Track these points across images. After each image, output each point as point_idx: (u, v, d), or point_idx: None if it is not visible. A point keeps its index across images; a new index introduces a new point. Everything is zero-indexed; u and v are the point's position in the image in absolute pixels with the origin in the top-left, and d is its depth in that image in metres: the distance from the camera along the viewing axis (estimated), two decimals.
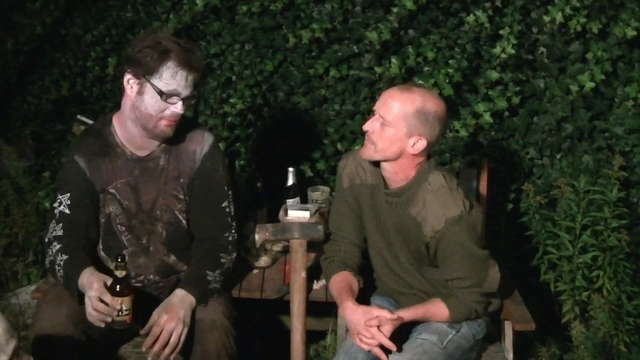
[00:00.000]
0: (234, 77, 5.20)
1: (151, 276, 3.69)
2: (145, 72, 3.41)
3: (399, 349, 3.38)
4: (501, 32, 4.53)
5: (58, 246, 3.54)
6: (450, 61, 4.63)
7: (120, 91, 3.55)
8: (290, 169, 4.38)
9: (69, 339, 3.35)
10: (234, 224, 3.75)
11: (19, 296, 4.93)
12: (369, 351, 3.38)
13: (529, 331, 3.91)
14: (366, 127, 3.45)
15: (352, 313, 3.45)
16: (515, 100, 4.53)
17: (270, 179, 4.50)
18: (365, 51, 4.88)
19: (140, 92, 3.44)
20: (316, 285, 4.02)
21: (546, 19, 4.43)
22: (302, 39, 4.89)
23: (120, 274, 3.29)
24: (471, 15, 4.58)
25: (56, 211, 3.61)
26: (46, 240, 3.64)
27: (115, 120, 3.64)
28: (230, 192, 3.76)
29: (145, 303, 3.67)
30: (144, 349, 3.38)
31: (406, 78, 4.70)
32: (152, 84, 3.41)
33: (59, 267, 3.49)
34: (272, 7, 5.03)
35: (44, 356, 3.29)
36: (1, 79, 6.65)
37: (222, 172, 3.73)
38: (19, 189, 5.68)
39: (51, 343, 3.28)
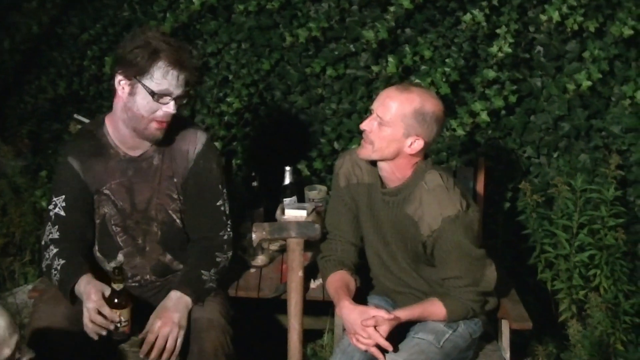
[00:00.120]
0: (230, 76, 5.20)
1: (148, 276, 3.69)
2: (136, 73, 3.40)
3: (396, 349, 3.38)
4: (498, 31, 4.52)
5: (55, 250, 3.54)
6: (447, 60, 4.63)
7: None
8: (287, 168, 4.37)
9: (66, 337, 3.36)
10: (229, 222, 3.75)
11: (16, 295, 4.93)
12: (366, 351, 3.38)
13: (526, 330, 3.90)
14: (364, 126, 3.45)
15: (349, 313, 3.45)
16: (512, 99, 4.53)
17: (267, 178, 4.49)
18: (362, 50, 4.88)
19: (131, 93, 3.44)
20: (313, 284, 4.01)
21: (543, 17, 4.42)
22: (299, 37, 4.89)
23: (118, 286, 3.30)
24: (468, 14, 4.58)
25: (51, 213, 3.61)
26: (42, 243, 3.64)
27: (107, 121, 3.63)
28: (224, 190, 3.75)
29: (143, 303, 3.68)
30: (141, 356, 3.39)
31: (403, 77, 4.70)
32: (143, 85, 3.40)
33: (55, 272, 3.49)
34: (269, 6, 5.03)
35: (41, 355, 3.28)
36: None
37: (216, 171, 3.72)
38: (15, 189, 5.68)
39: (48, 342, 3.29)
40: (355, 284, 3.68)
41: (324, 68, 4.91)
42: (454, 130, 4.53)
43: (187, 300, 3.49)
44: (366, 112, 4.80)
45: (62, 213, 3.58)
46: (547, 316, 4.48)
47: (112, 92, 3.55)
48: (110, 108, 3.59)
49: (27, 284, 5.07)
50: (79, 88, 6.09)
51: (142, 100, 3.42)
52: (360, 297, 3.64)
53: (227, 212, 3.75)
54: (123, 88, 3.46)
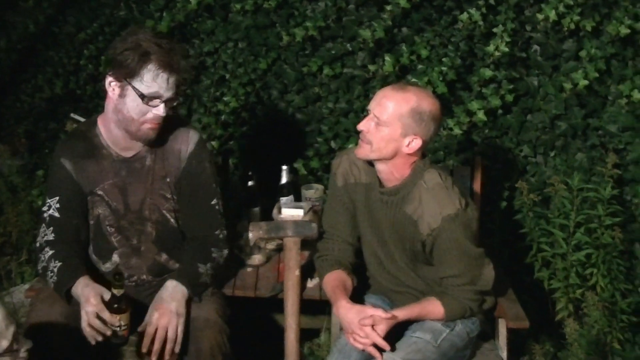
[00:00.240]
0: (227, 75, 5.19)
1: (144, 276, 3.68)
2: (126, 75, 3.39)
3: (393, 348, 3.39)
4: (495, 30, 4.52)
5: (50, 252, 3.54)
6: (443, 59, 4.63)
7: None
8: (284, 167, 4.38)
9: (63, 335, 3.36)
10: (223, 220, 3.75)
11: (12, 295, 4.93)
12: (363, 350, 3.38)
13: (523, 329, 3.91)
14: (361, 126, 3.45)
15: (347, 312, 3.45)
16: (509, 98, 4.53)
17: (263, 177, 4.49)
18: (358, 49, 4.87)
19: (122, 95, 3.43)
20: (310, 284, 4.01)
21: (540, 17, 4.42)
22: (296, 37, 4.88)
23: (118, 292, 3.30)
24: (465, 13, 4.58)
25: (46, 215, 3.61)
26: (37, 244, 3.64)
27: (100, 122, 3.63)
28: (218, 188, 3.75)
29: (140, 303, 3.67)
30: (144, 350, 3.38)
31: (400, 76, 4.70)
32: (133, 87, 3.39)
33: (51, 274, 3.48)
34: (266, 5, 5.02)
35: (38, 353, 3.28)
36: None
37: (209, 170, 3.72)
38: (12, 188, 5.67)
39: (45, 340, 3.28)
40: (352, 284, 3.68)
41: (321, 67, 4.91)
42: (451, 129, 4.53)
43: (183, 289, 3.49)
44: (363, 111, 4.80)
45: (57, 214, 3.58)
46: (544, 315, 4.49)
47: (104, 93, 3.54)
48: None
49: (23, 284, 5.07)
50: (76, 87, 6.08)
51: (132, 103, 3.42)
52: (357, 297, 3.64)
53: (222, 210, 3.75)
54: (113, 89, 3.46)
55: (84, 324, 3.32)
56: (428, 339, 3.44)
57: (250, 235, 3.77)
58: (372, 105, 3.43)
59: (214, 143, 5.03)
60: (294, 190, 4.40)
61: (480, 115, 4.50)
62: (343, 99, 4.94)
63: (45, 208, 3.62)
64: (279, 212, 4.11)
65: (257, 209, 4.35)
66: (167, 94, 3.42)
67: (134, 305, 3.45)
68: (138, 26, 3.73)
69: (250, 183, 4.40)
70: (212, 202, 3.71)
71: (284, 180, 4.38)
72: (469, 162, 4.60)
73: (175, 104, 3.54)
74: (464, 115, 4.51)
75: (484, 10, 4.55)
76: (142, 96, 3.39)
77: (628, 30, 4.29)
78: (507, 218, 4.66)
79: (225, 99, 5.10)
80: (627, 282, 4.31)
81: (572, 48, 4.52)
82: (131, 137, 3.53)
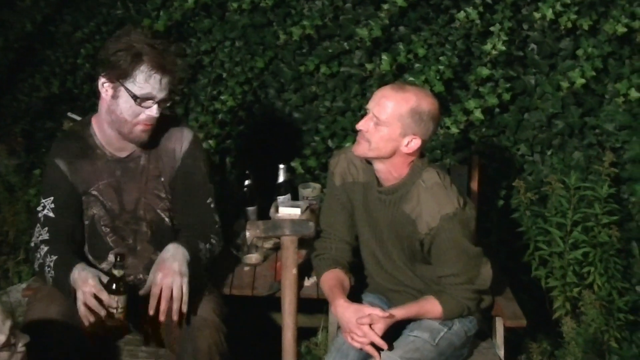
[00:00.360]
0: (224, 74, 5.19)
1: (141, 275, 3.68)
2: (119, 76, 3.39)
3: (391, 347, 3.38)
4: (492, 28, 4.52)
5: (46, 248, 3.52)
6: (441, 58, 4.63)
7: None
8: (281, 166, 4.38)
9: (61, 335, 3.34)
10: (218, 218, 3.74)
11: (9, 294, 4.92)
12: (361, 349, 3.38)
13: (520, 327, 3.92)
14: (360, 126, 3.45)
15: (344, 311, 3.45)
16: (506, 96, 4.53)
17: (261, 176, 4.49)
18: (355, 48, 4.88)
19: (114, 96, 3.43)
20: (307, 282, 4.01)
21: (537, 15, 4.42)
22: (293, 35, 4.88)
23: (118, 272, 3.29)
24: (462, 11, 4.58)
25: (40, 215, 3.60)
26: (32, 244, 3.62)
27: (94, 122, 3.63)
28: (211, 186, 3.75)
29: (137, 302, 3.67)
30: (151, 312, 3.33)
31: (397, 75, 4.70)
32: (126, 88, 3.39)
33: (49, 269, 3.47)
34: (263, 4, 5.02)
35: (35, 352, 3.28)
36: None
37: (204, 169, 3.72)
38: (9, 187, 5.67)
39: (43, 339, 3.27)
40: (349, 283, 3.67)
41: (318, 66, 4.91)
42: (448, 128, 4.53)
43: (184, 251, 3.44)
44: (360, 110, 4.80)
45: (51, 215, 3.57)
46: (541, 314, 4.48)
47: (99, 93, 3.53)
48: None
49: (21, 283, 5.06)
50: (73, 86, 6.07)
51: (125, 104, 3.41)
52: (354, 296, 3.64)
53: (216, 207, 3.74)
54: (106, 91, 3.45)
55: (79, 304, 3.28)
56: (426, 338, 3.44)
57: (248, 234, 3.76)
58: (371, 105, 3.42)
59: (211, 142, 5.04)
60: (291, 189, 4.40)
61: (478, 114, 4.50)
62: (340, 98, 4.94)
63: (39, 208, 3.61)
64: (276, 211, 4.12)
65: (254, 208, 4.35)
66: (160, 95, 3.42)
67: (132, 303, 3.45)
68: (131, 26, 3.71)
69: (247, 182, 4.39)
70: (208, 201, 3.70)
71: (281, 179, 4.38)
72: (466, 160, 4.60)
73: (168, 104, 3.54)
74: (461, 114, 4.52)
75: (480, 9, 4.55)
76: (134, 97, 3.39)
77: (625, 29, 4.29)
78: (505, 217, 4.66)
79: (222, 97, 5.11)
80: (624, 280, 4.32)
81: (569, 47, 4.52)
82: (125, 138, 3.53)
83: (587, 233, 4.27)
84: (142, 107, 3.41)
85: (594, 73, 4.35)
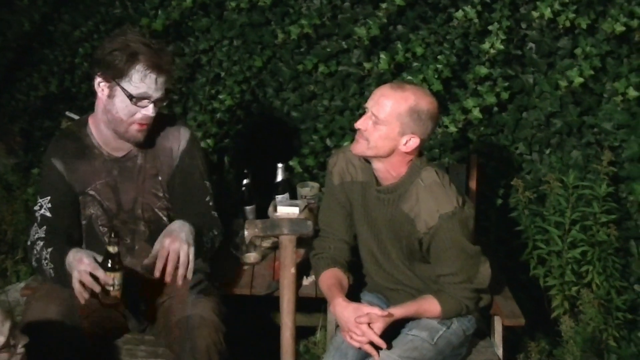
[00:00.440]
0: (222, 73, 5.19)
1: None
2: (114, 76, 3.39)
3: (389, 346, 3.39)
4: (490, 27, 4.52)
5: (42, 243, 3.52)
6: (439, 57, 4.62)
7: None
8: (279, 165, 4.38)
9: (59, 334, 3.34)
10: (217, 215, 3.74)
11: (8, 293, 4.92)
12: (360, 348, 3.38)
13: (518, 326, 3.91)
14: (359, 125, 3.45)
15: (343, 310, 3.45)
16: (504, 95, 4.53)
17: (259, 175, 4.49)
18: (354, 47, 4.87)
19: (110, 96, 3.43)
20: (306, 281, 4.02)
21: (535, 14, 4.42)
22: (291, 34, 4.88)
23: (113, 249, 3.25)
24: (460, 10, 4.57)
25: (37, 214, 3.60)
26: (29, 243, 3.62)
27: (90, 122, 3.63)
28: (209, 184, 3.76)
29: (135, 301, 3.68)
30: (157, 274, 3.32)
31: (395, 74, 4.70)
32: (122, 88, 3.39)
33: (46, 261, 3.46)
34: (261, 3, 5.01)
35: (34, 352, 3.28)
36: None
37: (202, 167, 3.72)
38: (7, 186, 5.67)
39: (41, 339, 3.27)
40: (348, 282, 3.68)
41: (316, 65, 4.91)
42: (446, 127, 4.53)
43: (190, 226, 3.44)
44: (358, 109, 4.80)
45: (48, 214, 3.57)
46: (539, 312, 4.49)
47: (94, 93, 3.53)
48: None
49: (19, 282, 5.06)
50: (71, 85, 6.07)
51: (121, 104, 3.42)
52: (353, 295, 3.64)
53: (214, 205, 3.75)
54: (102, 90, 3.45)
55: (74, 282, 3.26)
56: (424, 337, 3.45)
57: (246, 233, 3.77)
58: (370, 104, 3.42)
59: (209, 141, 5.04)
60: (290, 188, 4.40)
61: (476, 112, 4.49)
62: (338, 97, 4.94)
63: (37, 207, 3.61)
64: (275, 210, 4.12)
65: (252, 207, 4.35)
66: (156, 95, 3.42)
67: (130, 299, 3.46)
68: (127, 26, 3.72)
69: (245, 181, 4.39)
70: (207, 199, 3.71)
71: (279, 178, 4.38)
72: (464, 159, 4.60)
73: (164, 104, 3.54)
74: (460, 112, 4.51)
75: (479, 7, 4.55)
76: (130, 97, 3.39)
77: (623, 28, 4.29)
78: (503, 216, 4.66)
79: (220, 97, 5.11)
80: (623, 279, 4.32)
81: (567, 46, 4.52)
82: (121, 138, 3.53)
83: (586, 232, 4.27)
84: (138, 106, 3.41)
85: (592, 72, 4.35)
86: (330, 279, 3.63)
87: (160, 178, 3.65)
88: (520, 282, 4.54)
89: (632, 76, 4.33)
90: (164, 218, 3.67)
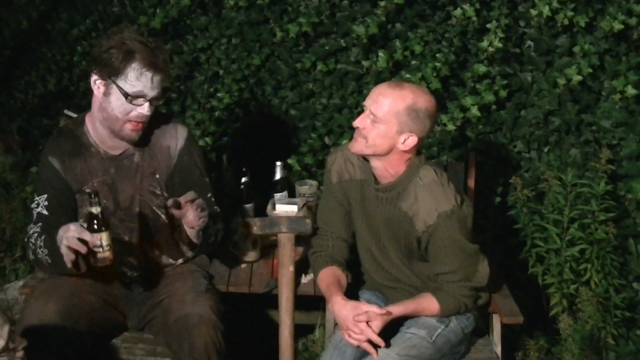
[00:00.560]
0: (221, 72, 5.19)
1: (137, 273, 3.68)
2: (110, 73, 3.39)
3: (388, 344, 3.39)
4: (488, 25, 4.52)
5: (36, 234, 3.51)
6: (437, 55, 4.62)
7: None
8: (278, 163, 4.38)
9: (57, 333, 3.34)
10: (218, 209, 3.73)
11: (6, 292, 4.92)
12: (358, 346, 3.38)
13: (517, 324, 3.91)
14: (357, 123, 3.45)
15: (341, 308, 3.45)
16: (503, 93, 4.53)
17: (257, 173, 4.49)
18: (352, 45, 4.87)
19: (106, 94, 3.43)
20: (304, 279, 4.02)
21: (533, 12, 4.42)
22: (289, 33, 4.88)
23: (96, 210, 3.21)
24: (458, 8, 4.57)
25: (34, 212, 3.59)
26: (25, 239, 3.62)
27: (87, 120, 3.63)
28: (208, 180, 3.76)
29: (134, 299, 3.68)
30: (183, 201, 3.33)
31: (393, 72, 4.69)
32: (117, 86, 3.39)
33: (41, 249, 3.46)
34: (259, 1, 5.01)
35: (32, 351, 3.27)
36: None
37: (201, 164, 3.73)
38: (5, 185, 5.67)
39: (39, 338, 3.27)
40: (346, 280, 3.68)
41: (315, 63, 4.91)
42: (445, 125, 4.53)
43: None
44: (357, 107, 4.80)
45: (45, 212, 3.56)
46: (538, 310, 4.49)
47: (90, 91, 3.53)
48: None
49: (17, 280, 5.07)
50: (69, 84, 6.07)
51: (117, 102, 3.41)
52: (351, 293, 3.64)
53: (215, 200, 3.75)
54: (98, 88, 3.45)
55: (62, 249, 3.23)
56: (423, 335, 3.45)
57: (245, 231, 3.77)
58: (368, 102, 3.42)
59: (207, 139, 5.03)
60: (288, 187, 4.40)
61: (474, 111, 4.49)
62: (337, 95, 4.94)
63: (34, 205, 3.60)
64: (273, 208, 4.12)
65: (251, 205, 4.35)
66: (152, 93, 3.42)
67: (127, 296, 3.45)
68: (125, 24, 3.72)
69: (244, 179, 4.39)
70: (208, 195, 3.70)
71: (277, 176, 4.38)
72: (462, 157, 4.60)
73: (161, 102, 3.54)
74: (458, 111, 4.51)
75: (477, 6, 4.55)
76: (126, 95, 3.39)
77: (622, 26, 4.29)
78: (501, 214, 4.66)
79: (218, 95, 5.10)
80: (621, 277, 4.32)
81: (565, 44, 4.52)
82: (116, 136, 3.53)
83: (584, 230, 4.27)
84: (134, 104, 3.41)
85: (590, 70, 4.35)
86: (328, 277, 3.63)
87: (157, 176, 3.65)
88: (519, 280, 4.54)
89: (631, 74, 4.32)
90: (162, 216, 3.67)
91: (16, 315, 4.45)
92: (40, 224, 3.55)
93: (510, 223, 4.53)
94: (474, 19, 4.54)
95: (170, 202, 3.34)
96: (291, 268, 3.76)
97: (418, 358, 3.41)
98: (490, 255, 3.76)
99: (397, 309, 3.44)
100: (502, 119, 4.66)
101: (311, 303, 4.20)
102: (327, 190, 3.76)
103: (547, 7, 4.37)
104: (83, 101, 5.86)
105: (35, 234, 3.51)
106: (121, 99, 3.40)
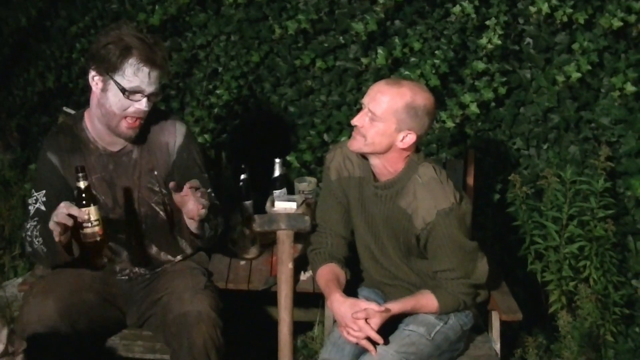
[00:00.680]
0: (220, 69, 5.19)
1: (136, 269, 3.68)
2: (108, 69, 3.39)
3: (386, 341, 3.39)
4: (487, 22, 4.52)
5: (32, 227, 3.50)
6: (436, 52, 4.62)
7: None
8: (277, 160, 4.37)
9: (56, 331, 3.34)
10: (218, 203, 3.73)
11: (5, 289, 4.92)
12: (357, 343, 3.38)
13: (515, 321, 3.91)
14: (355, 121, 3.44)
15: (340, 305, 3.45)
16: (502, 90, 4.53)
17: (256, 170, 4.48)
18: (351, 42, 4.87)
19: (104, 89, 3.43)
20: (303, 277, 4.01)
21: (532, 9, 4.42)
22: (288, 30, 4.88)
23: (83, 184, 3.22)
24: (457, 5, 4.57)
25: (32, 207, 3.59)
26: (23, 235, 3.61)
27: (86, 116, 3.63)
28: (207, 175, 3.76)
29: (134, 296, 3.67)
30: (187, 186, 3.33)
31: (392, 69, 4.69)
32: (115, 81, 3.39)
33: (37, 239, 3.45)
34: None
35: (30, 349, 3.27)
36: None
37: (200, 161, 3.74)
38: (4, 182, 5.67)
39: (38, 336, 3.27)
40: (345, 277, 3.68)
41: (314, 60, 4.90)
42: (444, 122, 4.53)
43: None
44: (356, 104, 4.80)
45: (43, 208, 3.56)
46: (537, 308, 4.49)
47: (89, 88, 3.53)
48: None
49: (16, 278, 5.07)
50: (68, 81, 6.07)
51: (114, 97, 3.42)
52: (350, 290, 3.64)
53: (215, 195, 3.75)
54: (96, 84, 3.46)
55: (50, 224, 3.22)
56: (422, 332, 3.45)
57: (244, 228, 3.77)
58: (367, 100, 3.42)
59: (206, 136, 5.04)
60: (287, 184, 4.39)
61: (473, 108, 4.49)
62: (336, 92, 4.94)
63: (32, 201, 3.60)
64: (272, 205, 4.11)
65: (250, 202, 4.34)
66: (149, 89, 3.42)
67: (126, 294, 3.45)
68: (123, 20, 3.72)
69: (243, 176, 4.38)
70: (208, 191, 3.70)
71: (276, 173, 4.38)
72: (462, 155, 4.60)
73: (159, 98, 3.54)
74: (457, 108, 4.51)
75: (476, 2, 4.54)
76: (123, 90, 3.39)
77: (621, 23, 4.28)
78: (500, 211, 4.66)
79: (217, 92, 5.10)
80: (620, 274, 4.32)
81: (564, 41, 4.52)
82: (113, 133, 3.53)
83: (583, 227, 4.27)
84: (131, 100, 3.41)
85: (589, 67, 4.35)
86: (327, 275, 3.63)
87: (156, 173, 3.65)
88: (518, 277, 4.54)
89: (630, 71, 4.33)
90: (161, 213, 3.67)
91: (15, 312, 4.45)
92: (37, 219, 3.55)
93: (509, 220, 4.53)
94: (473, 16, 4.54)
95: (172, 184, 3.34)
96: (290, 265, 3.76)
97: (417, 355, 3.41)
98: (489, 252, 3.76)
99: (395, 307, 3.44)
100: (501, 116, 4.66)
101: (310, 300, 4.20)
102: (326, 188, 3.76)
103: (546, 4, 4.37)
104: (82, 98, 5.86)
105: (32, 227, 3.51)
106: (118, 95, 3.40)
